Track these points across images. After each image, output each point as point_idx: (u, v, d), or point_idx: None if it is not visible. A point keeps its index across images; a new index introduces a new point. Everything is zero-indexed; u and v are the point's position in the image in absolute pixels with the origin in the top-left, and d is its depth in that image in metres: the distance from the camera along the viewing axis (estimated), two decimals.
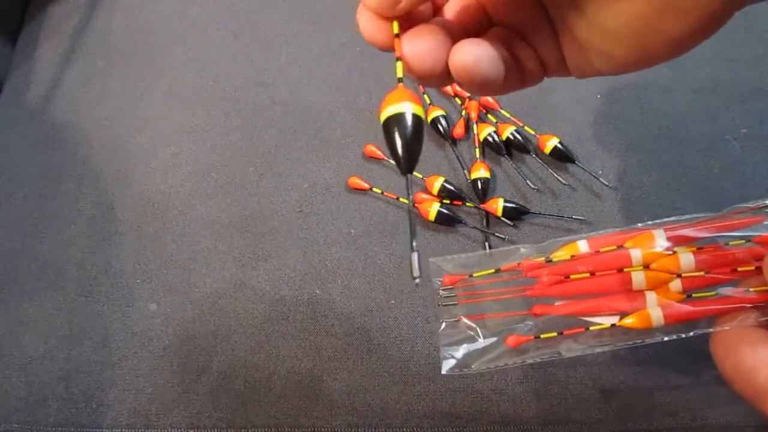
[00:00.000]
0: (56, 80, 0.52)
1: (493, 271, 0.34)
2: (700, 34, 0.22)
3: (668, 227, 0.34)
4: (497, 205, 0.43)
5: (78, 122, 0.50)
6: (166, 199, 0.46)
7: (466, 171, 0.46)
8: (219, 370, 0.41)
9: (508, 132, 0.46)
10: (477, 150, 0.46)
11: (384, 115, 0.20)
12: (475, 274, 0.35)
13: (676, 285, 0.33)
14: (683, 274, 0.33)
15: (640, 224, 0.35)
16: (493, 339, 0.34)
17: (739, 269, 0.32)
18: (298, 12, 0.54)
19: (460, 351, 0.34)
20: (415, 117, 0.20)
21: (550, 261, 0.34)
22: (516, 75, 0.28)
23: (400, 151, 0.20)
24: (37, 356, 0.42)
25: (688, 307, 0.32)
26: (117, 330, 0.42)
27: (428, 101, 0.48)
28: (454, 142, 0.47)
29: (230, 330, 0.42)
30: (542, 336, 0.33)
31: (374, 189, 0.45)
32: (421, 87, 0.50)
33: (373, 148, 0.47)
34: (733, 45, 0.51)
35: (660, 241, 0.34)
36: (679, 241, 0.34)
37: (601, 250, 0.34)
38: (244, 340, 0.41)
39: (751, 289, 0.32)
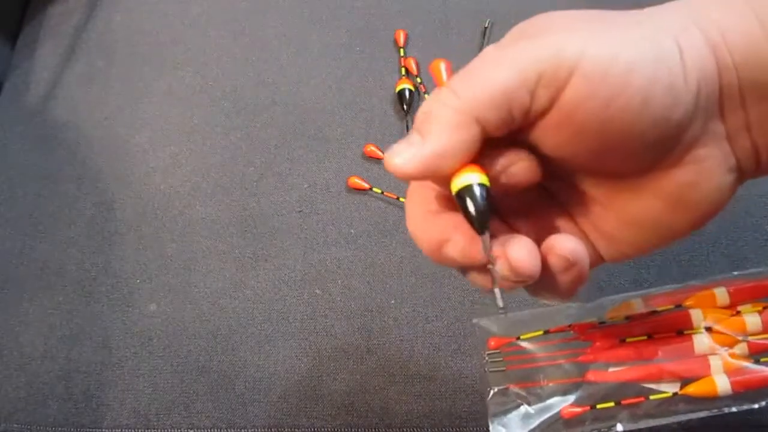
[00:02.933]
0: (56, 80, 0.52)
1: (541, 332, 0.32)
2: (701, 224, 0.23)
3: (729, 283, 0.32)
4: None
5: (78, 122, 0.50)
6: (166, 199, 0.46)
7: None
8: (219, 370, 0.41)
9: None
10: None
11: (455, 187, 0.21)
12: (522, 337, 0.32)
13: (741, 349, 0.31)
14: (750, 337, 0.31)
15: (697, 281, 0.33)
16: (545, 408, 0.31)
17: None
18: (298, 12, 0.54)
19: (511, 421, 0.31)
20: (482, 186, 0.20)
21: (603, 323, 0.32)
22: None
23: (473, 215, 0.20)
24: (37, 356, 0.42)
25: (758, 373, 0.30)
26: (117, 330, 0.42)
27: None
28: None
29: (230, 330, 0.42)
30: (598, 406, 0.31)
31: (374, 189, 0.45)
32: (422, 86, 0.50)
33: (373, 148, 0.47)
34: None
35: (721, 300, 0.32)
36: (742, 298, 0.32)
37: (659, 309, 0.32)
38: (244, 340, 0.41)
39: None
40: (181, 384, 0.41)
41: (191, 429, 0.40)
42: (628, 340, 0.31)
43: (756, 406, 0.30)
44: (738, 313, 0.31)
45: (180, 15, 0.55)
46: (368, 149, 0.47)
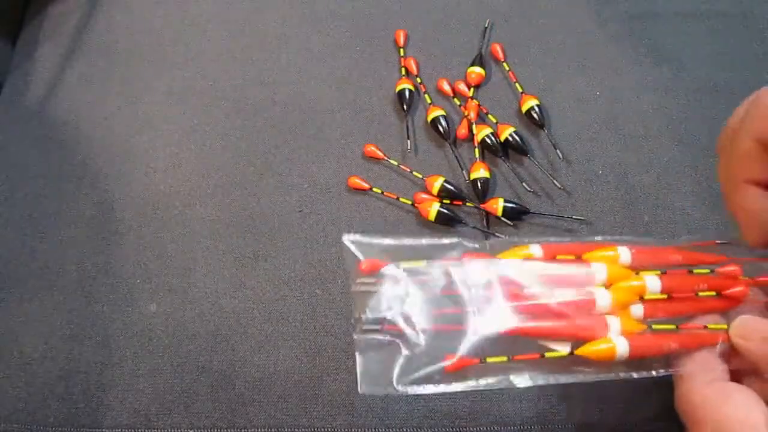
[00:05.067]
0: (56, 80, 0.52)
1: (423, 263, 0.28)
2: None
3: (631, 245, 0.31)
4: (497, 205, 0.43)
5: (78, 122, 0.50)
6: (166, 199, 0.46)
7: (465, 171, 0.46)
8: (219, 370, 0.41)
9: (506, 133, 0.46)
10: (476, 150, 0.46)
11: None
12: (404, 265, 0.28)
13: (637, 310, 0.30)
14: (646, 297, 0.30)
15: (599, 237, 0.31)
16: (425, 355, 0.27)
17: (701, 294, 0.30)
18: (298, 12, 0.54)
19: (382, 364, 0.27)
20: None
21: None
22: None
23: None
24: (37, 356, 0.42)
25: (657, 340, 0.29)
26: (117, 330, 0.42)
27: (429, 101, 0.49)
28: (454, 142, 0.47)
29: (230, 330, 0.42)
30: (488, 360, 0.28)
31: (374, 189, 0.45)
32: (422, 86, 0.50)
33: (373, 148, 0.47)
34: (734, 45, 0.51)
35: (625, 258, 0.31)
36: (643, 262, 0.31)
37: (558, 257, 0.30)
38: (244, 340, 0.41)
39: (709, 326, 0.29)
40: (181, 384, 0.41)
41: (191, 429, 0.40)
42: (526, 290, 0.29)
43: (654, 374, 0.28)
44: (638, 273, 0.30)
45: (180, 15, 0.55)
46: (368, 149, 0.47)
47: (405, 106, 0.48)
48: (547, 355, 0.28)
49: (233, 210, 0.46)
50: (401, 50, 0.51)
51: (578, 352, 0.28)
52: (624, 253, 0.31)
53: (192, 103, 0.50)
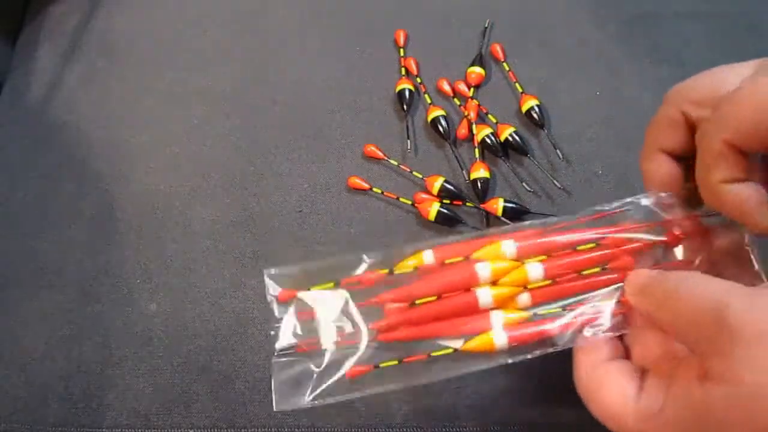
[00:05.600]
0: (56, 80, 0.52)
1: (332, 285, 0.32)
2: None
3: (519, 234, 0.33)
4: (497, 205, 0.43)
5: (78, 122, 0.50)
6: (166, 199, 0.46)
7: (465, 171, 0.46)
8: (219, 370, 0.41)
9: (506, 133, 0.46)
10: (476, 150, 0.46)
11: None
12: (312, 289, 0.32)
13: (524, 299, 0.32)
14: (530, 286, 0.31)
15: (492, 229, 0.33)
16: (333, 367, 0.31)
17: (585, 272, 0.31)
18: (298, 12, 0.54)
19: (294, 382, 0.30)
20: None
21: (392, 273, 0.32)
22: None
23: None
24: (37, 356, 0.42)
25: (532, 329, 0.30)
26: (117, 330, 0.42)
27: (429, 101, 0.49)
28: (455, 142, 0.47)
29: (230, 330, 0.42)
30: (381, 365, 0.31)
31: (374, 189, 0.45)
32: (422, 86, 0.50)
33: (373, 148, 0.47)
34: (734, 45, 0.51)
35: (509, 251, 0.32)
36: (529, 250, 0.32)
37: (447, 261, 0.32)
38: (245, 340, 0.41)
39: (594, 304, 0.31)
40: (181, 384, 0.41)
41: (191, 429, 0.40)
42: (418, 302, 0.31)
43: (529, 356, 0.30)
44: (522, 264, 0.32)
45: (180, 15, 0.55)
46: (368, 149, 0.47)
47: (405, 106, 0.48)
48: (433, 354, 0.31)
49: (233, 210, 0.46)
50: (401, 50, 0.51)
51: (462, 348, 0.31)
52: (508, 247, 0.32)
53: (192, 103, 0.50)
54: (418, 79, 0.50)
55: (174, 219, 0.46)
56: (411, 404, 0.39)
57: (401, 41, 0.51)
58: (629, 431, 0.27)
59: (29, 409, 0.40)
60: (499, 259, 0.32)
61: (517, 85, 0.49)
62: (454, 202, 0.44)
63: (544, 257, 0.32)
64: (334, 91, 0.50)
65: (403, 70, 0.50)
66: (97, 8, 0.56)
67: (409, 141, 0.47)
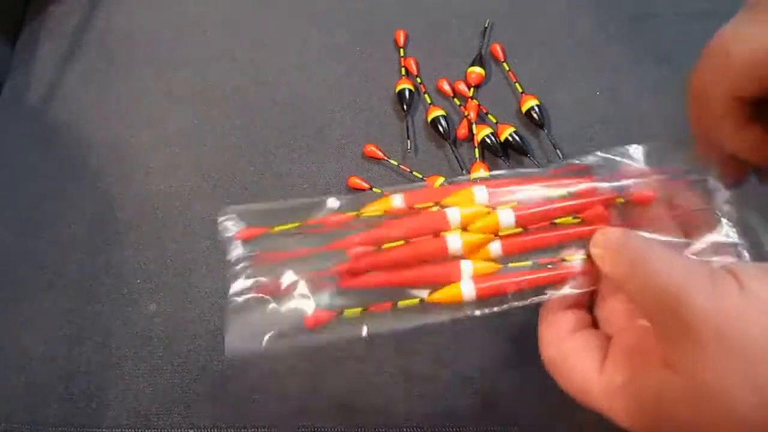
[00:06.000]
0: (56, 80, 0.52)
1: (297, 224, 0.30)
2: None
3: (491, 182, 0.32)
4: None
5: (78, 122, 0.50)
6: (166, 199, 0.46)
7: (465, 171, 0.46)
8: (219, 370, 0.41)
9: (506, 133, 0.46)
10: (476, 150, 0.46)
11: None
12: (276, 229, 0.30)
13: (495, 248, 0.30)
14: (501, 233, 0.30)
15: (462, 177, 0.32)
16: (291, 311, 0.29)
17: (557, 221, 0.30)
18: (298, 12, 0.54)
19: (248, 325, 0.29)
20: None
21: (359, 216, 0.31)
22: None
23: None
24: (37, 356, 0.42)
25: (500, 281, 0.29)
26: (117, 330, 0.42)
27: (429, 101, 0.49)
28: (455, 142, 0.47)
29: None
30: (345, 313, 0.29)
31: (374, 189, 0.45)
32: (422, 86, 0.50)
33: (373, 148, 0.47)
34: None
35: (480, 197, 0.31)
36: (501, 197, 0.31)
37: (416, 206, 0.31)
38: None
39: (566, 258, 0.30)
40: (181, 384, 0.41)
41: (191, 429, 0.40)
42: (384, 247, 0.30)
43: (496, 309, 0.29)
44: (493, 210, 0.31)
45: (180, 15, 0.55)
46: (368, 149, 0.47)
47: (405, 106, 0.48)
48: (400, 304, 0.29)
49: None
50: (401, 50, 0.51)
51: (428, 299, 0.30)
52: (480, 193, 0.31)
53: (192, 103, 0.50)
54: (418, 79, 0.50)
55: (174, 219, 0.46)
56: (410, 404, 0.39)
57: (401, 41, 0.51)
58: (594, 404, 0.27)
59: (29, 409, 0.40)
60: (470, 205, 0.31)
61: (517, 85, 0.49)
62: None
63: (515, 204, 0.31)
64: (334, 91, 0.50)
65: (403, 70, 0.50)
66: (97, 8, 0.56)
67: (409, 141, 0.47)
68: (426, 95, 0.49)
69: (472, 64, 0.50)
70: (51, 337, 0.42)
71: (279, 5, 0.54)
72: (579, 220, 0.31)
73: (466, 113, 0.48)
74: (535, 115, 0.47)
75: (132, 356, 0.41)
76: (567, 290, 0.29)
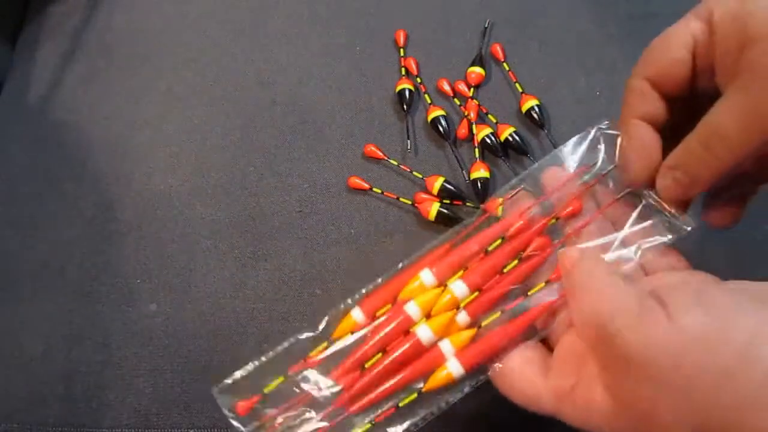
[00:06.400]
0: (56, 80, 0.52)
1: (282, 379, 0.32)
2: None
3: (430, 257, 0.33)
4: (497, 205, 0.43)
5: (78, 122, 0.50)
6: (166, 199, 0.46)
7: (465, 171, 0.46)
8: (219, 370, 0.41)
9: (506, 133, 0.46)
10: (476, 150, 0.46)
11: None
12: (266, 390, 0.32)
13: (463, 318, 0.32)
14: (462, 305, 0.32)
15: (400, 264, 0.34)
16: None
17: (506, 269, 0.32)
18: (298, 12, 0.54)
19: None
20: None
21: (331, 343, 0.32)
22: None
23: None
24: (37, 356, 0.42)
25: (481, 345, 0.30)
26: (117, 330, 0.42)
27: (429, 101, 0.49)
28: (455, 142, 0.47)
29: (230, 330, 0.42)
30: None
31: (374, 189, 0.45)
32: (422, 86, 0.50)
33: (373, 148, 0.47)
34: None
35: (428, 280, 0.33)
36: (447, 272, 0.33)
37: (378, 314, 0.32)
38: (244, 340, 0.41)
39: (529, 293, 0.31)
40: (181, 384, 0.41)
41: (191, 429, 0.40)
42: (367, 365, 0.31)
43: (489, 373, 0.30)
44: (445, 287, 0.32)
45: (180, 15, 0.55)
46: (368, 149, 0.47)
47: (405, 106, 0.48)
48: (401, 405, 0.31)
49: (233, 210, 0.46)
50: (401, 50, 0.51)
51: (424, 390, 0.31)
52: (426, 277, 0.33)
53: (192, 103, 0.50)
54: (418, 79, 0.50)
55: (174, 219, 0.46)
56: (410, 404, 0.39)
57: (401, 41, 0.51)
58: (546, 409, 0.28)
59: (29, 409, 0.40)
60: (422, 292, 0.32)
61: (517, 85, 0.49)
62: (455, 202, 0.44)
63: (461, 272, 0.32)
64: (334, 91, 0.50)
65: (403, 70, 0.50)
66: (97, 8, 0.56)
67: (409, 141, 0.47)
68: (426, 95, 0.49)
69: (472, 64, 0.50)
70: (51, 337, 0.42)
71: (279, 5, 0.54)
72: (526, 256, 0.32)
73: (466, 113, 0.48)
74: (535, 115, 0.47)
75: (132, 356, 0.41)
76: (542, 334, 0.31)
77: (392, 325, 0.32)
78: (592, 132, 0.34)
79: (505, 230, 0.33)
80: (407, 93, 0.48)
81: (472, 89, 0.49)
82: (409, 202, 0.45)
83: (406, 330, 0.32)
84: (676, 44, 0.30)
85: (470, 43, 0.52)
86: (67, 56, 0.53)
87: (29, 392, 0.41)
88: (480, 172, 0.45)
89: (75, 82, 0.52)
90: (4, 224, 0.47)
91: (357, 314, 0.33)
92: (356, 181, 0.46)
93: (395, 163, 0.47)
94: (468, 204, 0.44)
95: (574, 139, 0.34)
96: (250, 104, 0.50)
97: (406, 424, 0.31)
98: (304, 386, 0.32)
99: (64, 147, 0.49)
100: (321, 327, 0.33)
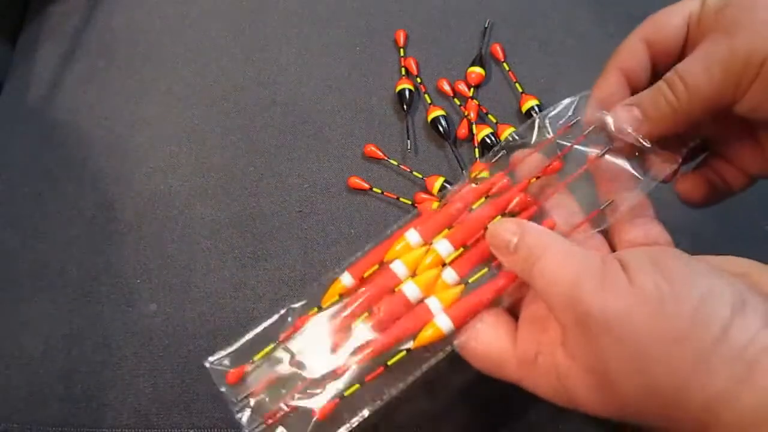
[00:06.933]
0: (56, 80, 0.52)
1: (272, 346, 0.32)
2: None
3: (417, 220, 0.33)
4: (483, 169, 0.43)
5: (78, 122, 0.50)
6: (166, 199, 0.46)
7: (465, 171, 0.46)
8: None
9: (507, 133, 0.46)
10: (476, 150, 0.46)
11: None
12: (255, 358, 0.32)
13: (451, 276, 0.31)
14: (448, 261, 0.31)
15: (394, 226, 0.34)
16: (302, 417, 0.30)
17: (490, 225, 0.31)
18: (298, 12, 0.54)
19: None
20: None
21: (321, 309, 0.32)
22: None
23: None
24: (37, 356, 0.42)
25: (469, 301, 0.30)
26: (117, 330, 0.42)
27: (429, 101, 0.49)
28: (455, 142, 0.47)
29: (230, 330, 0.42)
30: (346, 394, 0.30)
31: (374, 189, 0.45)
32: (422, 86, 0.50)
33: (373, 148, 0.47)
34: None
35: (414, 240, 0.32)
36: (432, 231, 0.32)
37: (365, 275, 0.32)
38: None
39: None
40: (181, 384, 0.41)
41: (191, 429, 0.39)
42: (354, 325, 0.31)
43: (455, 342, 0.30)
44: (430, 246, 0.32)
45: (180, 15, 0.55)
46: (368, 149, 0.47)
47: (405, 106, 0.48)
48: (390, 363, 0.30)
49: (233, 210, 0.46)
50: (401, 50, 0.51)
51: (414, 346, 0.30)
52: (412, 236, 0.32)
53: (192, 103, 0.50)
54: (418, 79, 0.50)
55: (174, 219, 0.46)
56: (411, 405, 0.39)
57: (401, 41, 0.51)
58: (511, 376, 0.28)
59: (29, 409, 0.40)
60: (408, 251, 0.32)
61: (517, 85, 0.49)
62: None
63: (446, 231, 0.32)
64: (334, 91, 0.50)
65: (403, 70, 0.50)
66: (97, 8, 0.56)
67: (409, 141, 0.47)
68: (426, 95, 0.49)
69: (472, 64, 0.50)
70: (51, 337, 0.42)
71: (279, 5, 0.54)
72: (509, 211, 0.32)
73: (466, 113, 0.48)
74: (535, 115, 0.47)
75: (132, 356, 0.41)
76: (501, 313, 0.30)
77: (378, 286, 0.32)
78: (577, 98, 0.35)
79: (488, 189, 0.33)
80: (407, 93, 0.48)
81: (472, 89, 0.49)
82: (409, 202, 0.45)
83: (392, 289, 0.31)
84: (675, 13, 0.32)
85: (470, 43, 0.52)
86: (67, 56, 0.53)
87: (29, 392, 0.41)
88: (480, 172, 0.45)
89: (75, 82, 0.52)
90: (4, 224, 0.47)
91: (345, 278, 0.32)
92: (356, 181, 0.46)
93: (395, 163, 0.47)
94: None
95: (563, 103, 0.35)
96: (250, 104, 0.50)
97: (395, 385, 0.30)
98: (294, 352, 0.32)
99: (64, 147, 0.49)
100: (307, 297, 0.33)
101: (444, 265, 0.31)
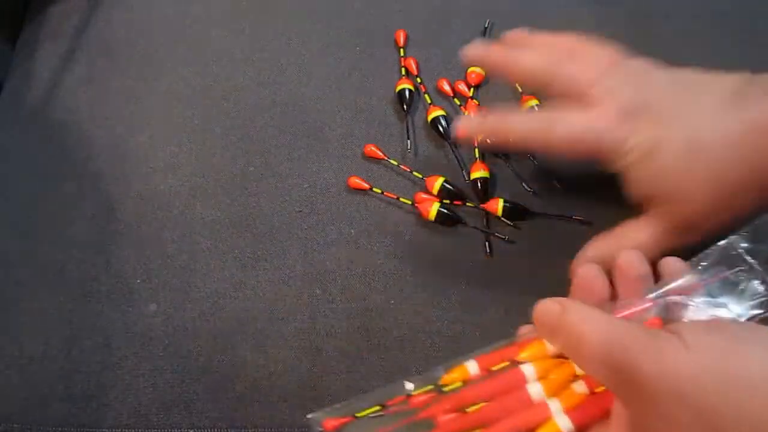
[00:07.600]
0: (56, 80, 0.52)
1: (378, 408, 0.31)
2: None
3: None
4: (497, 205, 0.43)
5: (78, 122, 0.50)
6: (166, 199, 0.46)
7: (465, 171, 0.46)
8: (219, 370, 0.41)
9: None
10: (476, 150, 0.46)
11: None
12: (358, 415, 0.31)
13: (580, 387, 0.30)
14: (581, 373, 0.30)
15: (525, 329, 0.33)
16: None
17: None
18: (298, 12, 0.54)
19: None
20: None
21: (441, 389, 0.31)
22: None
23: None
24: (37, 356, 0.42)
25: (594, 403, 0.29)
26: (117, 330, 0.42)
27: (429, 101, 0.49)
28: (454, 142, 0.47)
29: (230, 330, 0.42)
30: None
31: (374, 189, 0.45)
32: (422, 86, 0.50)
33: (373, 148, 0.47)
34: (734, 45, 0.51)
35: (552, 347, 0.31)
36: None
37: (493, 368, 0.31)
38: (244, 340, 0.41)
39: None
40: (181, 384, 0.41)
41: (191, 429, 0.39)
42: (468, 410, 0.30)
43: None
44: (566, 359, 0.31)
45: (180, 15, 0.55)
46: (368, 149, 0.47)
47: (405, 106, 0.48)
48: None
49: (233, 210, 0.46)
50: (401, 50, 0.51)
51: None
52: (551, 345, 0.32)
53: (192, 103, 0.50)
54: (418, 79, 0.50)
55: (174, 219, 0.46)
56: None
57: (401, 41, 0.51)
58: None
59: (29, 409, 0.40)
60: (543, 357, 0.31)
61: (517, 85, 0.49)
62: (455, 202, 0.44)
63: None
64: (334, 91, 0.50)
65: (403, 70, 0.50)
66: (97, 8, 0.56)
67: (409, 141, 0.47)
68: (426, 95, 0.49)
69: (472, 64, 0.50)
70: (51, 337, 0.42)
71: (279, 5, 0.54)
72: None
73: (466, 113, 0.48)
74: None
75: (132, 356, 0.41)
76: None
77: (504, 378, 0.31)
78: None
79: None
80: (407, 93, 0.48)
81: (472, 89, 0.49)
82: (409, 202, 0.45)
83: (517, 387, 0.31)
84: None
85: (470, 43, 0.52)
86: (67, 56, 0.53)
87: (29, 392, 0.41)
88: (480, 172, 0.45)
89: (75, 83, 0.52)
90: (4, 224, 0.47)
91: (471, 366, 0.32)
92: (356, 181, 0.46)
93: (395, 163, 0.47)
94: (468, 204, 0.44)
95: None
96: (250, 104, 0.50)
97: None
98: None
99: (64, 147, 0.49)
100: (425, 377, 0.32)
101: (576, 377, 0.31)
